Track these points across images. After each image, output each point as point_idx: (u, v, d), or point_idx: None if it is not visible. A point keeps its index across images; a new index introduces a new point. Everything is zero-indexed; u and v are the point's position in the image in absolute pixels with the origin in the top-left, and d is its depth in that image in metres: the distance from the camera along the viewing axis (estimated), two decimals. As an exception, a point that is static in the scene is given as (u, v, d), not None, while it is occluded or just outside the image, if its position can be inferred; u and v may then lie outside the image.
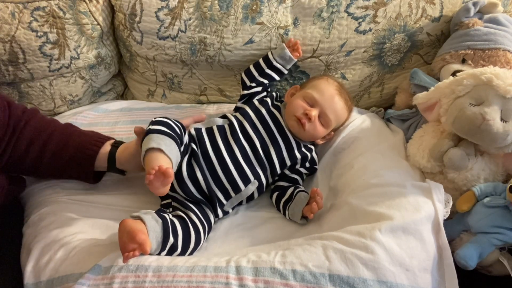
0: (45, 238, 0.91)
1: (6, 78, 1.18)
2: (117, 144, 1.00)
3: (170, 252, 0.86)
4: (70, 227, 0.93)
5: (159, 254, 0.85)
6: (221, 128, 1.02)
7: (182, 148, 0.94)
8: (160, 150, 0.84)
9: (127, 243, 0.78)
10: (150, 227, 0.82)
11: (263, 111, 1.07)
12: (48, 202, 1.01)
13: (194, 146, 0.99)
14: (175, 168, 0.89)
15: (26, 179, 1.08)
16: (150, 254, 0.83)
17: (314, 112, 1.03)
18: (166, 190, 0.83)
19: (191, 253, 0.90)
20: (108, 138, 1.01)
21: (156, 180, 0.80)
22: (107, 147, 0.99)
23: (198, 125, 1.04)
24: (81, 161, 0.97)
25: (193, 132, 1.02)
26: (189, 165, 0.97)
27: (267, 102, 1.10)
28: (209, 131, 1.02)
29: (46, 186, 1.06)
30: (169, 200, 0.99)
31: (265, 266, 0.78)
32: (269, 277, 0.77)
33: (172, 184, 0.96)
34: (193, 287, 0.76)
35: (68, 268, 0.84)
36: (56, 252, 0.87)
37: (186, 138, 0.96)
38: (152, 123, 0.92)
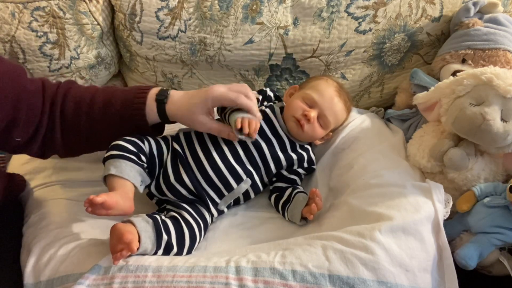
0: (45, 238, 0.91)
1: (6, 78, 1.18)
2: (161, 94, 0.94)
3: (167, 251, 0.86)
4: (70, 227, 0.93)
5: (155, 253, 0.85)
6: None
7: (145, 159, 0.94)
8: (112, 175, 0.87)
9: (115, 244, 0.80)
10: (141, 228, 0.83)
11: None
12: (48, 202, 1.01)
13: (179, 148, 0.99)
14: (137, 182, 0.90)
15: (26, 179, 1.08)
16: (147, 254, 0.83)
17: (313, 114, 1.03)
18: (123, 209, 0.84)
19: (188, 252, 0.90)
20: (149, 89, 0.95)
21: (95, 209, 0.81)
22: (152, 103, 0.93)
23: (187, 129, 1.05)
24: (132, 113, 0.93)
25: (181, 136, 1.02)
26: (176, 168, 0.97)
27: (261, 107, 1.09)
28: (198, 133, 1.02)
29: (47, 186, 1.06)
30: (164, 205, 0.99)
31: (265, 266, 0.78)
32: (269, 278, 0.76)
33: (161, 189, 0.97)
34: (193, 287, 0.76)
35: (68, 268, 0.84)
36: (56, 252, 0.87)
37: (147, 147, 0.95)
38: (106, 151, 0.92)
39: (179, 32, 1.20)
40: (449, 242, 0.86)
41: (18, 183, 1.05)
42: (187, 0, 1.18)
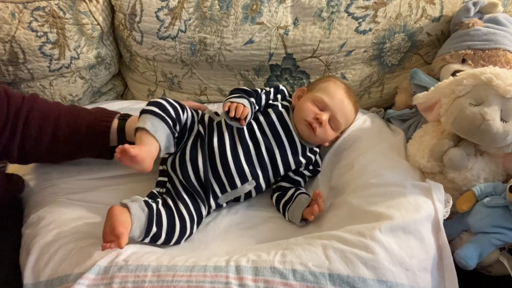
0: (44, 238, 0.91)
1: (6, 78, 1.18)
2: (123, 117, 1.02)
3: (154, 240, 0.89)
4: (69, 227, 0.93)
5: (142, 241, 0.88)
6: (229, 125, 1.02)
7: (178, 128, 0.96)
8: (146, 130, 0.88)
9: (107, 234, 0.82)
10: (135, 215, 0.85)
11: (272, 113, 1.05)
12: (47, 202, 1.01)
13: (202, 130, 1.00)
14: (163, 147, 0.91)
15: (25, 179, 1.08)
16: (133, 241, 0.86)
17: (325, 117, 1.02)
18: (144, 167, 0.85)
19: (177, 242, 0.92)
20: (115, 113, 1.03)
21: (124, 159, 0.82)
22: (115, 121, 1.00)
23: (211, 116, 1.05)
24: (95, 139, 0.98)
25: (206, 119, 1.03)
26: (194, 149, 0.99)
27: (276, 104, 1.08)
28: (219, 124, 1.02)
29: (46, 186, 1.06)
30: (165, 179, 1.00)
31: (265, 265, 0.78)
32: (269, 277, 0.76)
33: (174, 164, 0.98)
34: (193, 287, 0.76)
35: (68, 268, 0.84)
36: (56, 252, 0.87)
37: (184, 118, 0.98)
38: (148, 104, 0.94)
39: (179, 32, 1.20)
40: (449, 242, 0.86)
41: (17, 184, 1.05)
42: (187, 0, 1.18)
